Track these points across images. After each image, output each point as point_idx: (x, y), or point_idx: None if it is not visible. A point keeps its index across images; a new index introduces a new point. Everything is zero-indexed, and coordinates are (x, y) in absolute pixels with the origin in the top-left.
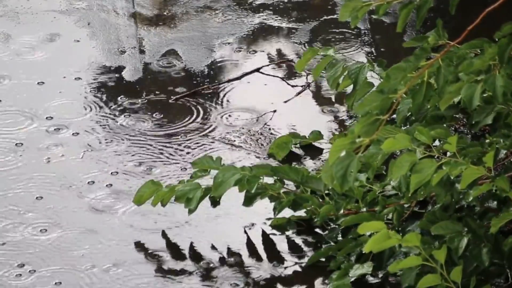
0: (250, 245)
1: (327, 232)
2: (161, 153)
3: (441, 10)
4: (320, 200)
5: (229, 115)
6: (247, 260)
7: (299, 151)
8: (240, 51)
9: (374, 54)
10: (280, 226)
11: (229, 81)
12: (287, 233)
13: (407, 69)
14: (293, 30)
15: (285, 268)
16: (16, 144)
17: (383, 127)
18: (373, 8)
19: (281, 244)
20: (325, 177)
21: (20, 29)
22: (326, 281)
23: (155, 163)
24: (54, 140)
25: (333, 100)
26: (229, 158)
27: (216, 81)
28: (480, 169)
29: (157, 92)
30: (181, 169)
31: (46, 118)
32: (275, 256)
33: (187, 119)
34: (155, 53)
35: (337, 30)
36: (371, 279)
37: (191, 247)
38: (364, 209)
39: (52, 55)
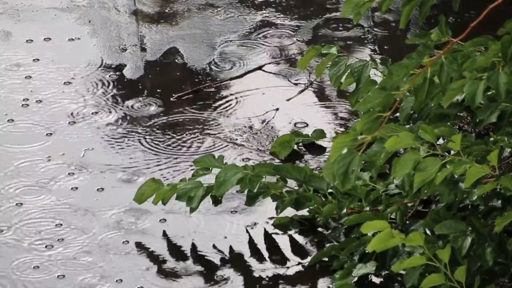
0: (252, 244)
1: (330, 231)
2: (162, 152)
3: (445, 7)
4: (323, 199)
5: (231, 114)
6: (250, 259)
7: (302, 150)
8: (242, 49)
9: (378, 52)
10: (283, 225)
11: (231, 79)
12: (289, 232)
13: (410, 66)
14: (295, 28)
15: (288, 267)
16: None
17: (386, 125)
18: (376, 6)
19: (284, 243)
20: (326, 175)
21: (21, 26)
22: (329, 281)
23: (155, 162)
24: (54, 138)
25: (336, 98)
26: (231, 157)
27: (218, 79)
28: (485, 167)
29: (158, 90)
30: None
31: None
32: (277, 256)
33: (188, 117)
34: (157, 51)
35: (340, 28)
36: (375, 279)
37: (193, 246)
38: (367, 208)
39: (52, 53)
